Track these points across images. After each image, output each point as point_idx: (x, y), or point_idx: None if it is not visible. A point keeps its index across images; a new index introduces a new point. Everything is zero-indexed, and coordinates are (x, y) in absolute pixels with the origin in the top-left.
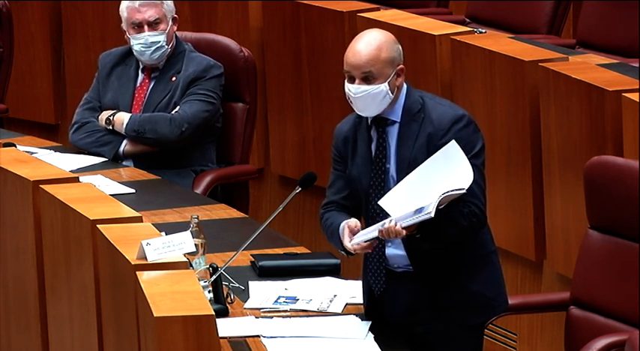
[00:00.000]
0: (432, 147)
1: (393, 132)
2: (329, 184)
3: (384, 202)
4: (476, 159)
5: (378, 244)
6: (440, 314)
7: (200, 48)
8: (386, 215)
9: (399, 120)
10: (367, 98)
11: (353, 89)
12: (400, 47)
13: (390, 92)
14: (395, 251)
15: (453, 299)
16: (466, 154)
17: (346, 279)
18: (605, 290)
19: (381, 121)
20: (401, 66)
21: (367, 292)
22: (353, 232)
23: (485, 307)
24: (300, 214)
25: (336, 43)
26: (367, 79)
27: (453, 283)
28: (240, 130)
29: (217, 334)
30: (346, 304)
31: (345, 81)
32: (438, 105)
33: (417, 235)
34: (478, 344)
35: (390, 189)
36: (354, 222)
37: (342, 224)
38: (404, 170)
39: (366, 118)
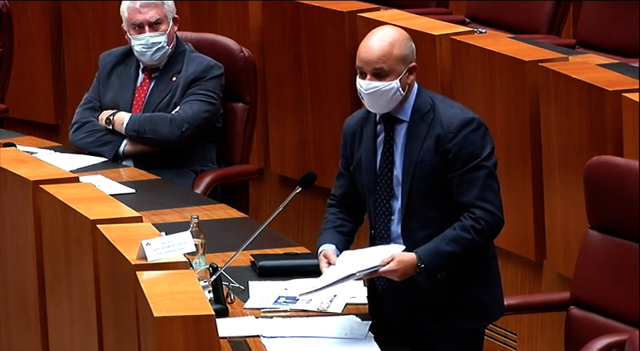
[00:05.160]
0: (440, 149)
1: (401, 131)
2: (336, 176)
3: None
4: (486, 161)
5: (383, 243)
6: (437, 317)
7: (200, 48)
8: (389, 215)
9: (407, 119)
10: (378, 94)
11: (364, 85)
12: (413, 45)
13: (401, 89)
14: None
15: (451, 303)
16: (476, 158)
17: None
18: (605, 290)
19: (389, 120)
20: (413, 64)
21: (371, 291)
22: (325, 261)
23: (481, 312)
24: (300, 214)
25: (336, 43)
26: (378, 75)
27: (450, 286)
28: (240, 130)
29: (217, 334)
30: (346, 304)
31: (357, 77)
32: (449, 107)
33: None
34: (478, 346)
35: (393, 189)
36: (331, 252)
37: (321, 248)
38: (410, 170)
39: (375, 113)
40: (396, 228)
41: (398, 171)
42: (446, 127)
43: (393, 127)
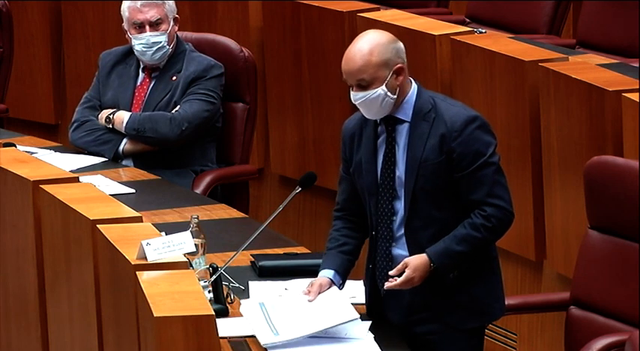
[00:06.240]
0: (445, 148)
1: (403, 131)
2: (338, 181)
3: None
4: (493, 158)
5: (385, 243)
6: (438, 316)
7: (200, 48)
8: (392, 216)
9: (409, 120)
10: (367, 103)
11: (352, 96)
12: (397, 46)
13: (389, 94)
14: (399, 251)
15: (451, 302)
16: (482, 155)
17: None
18: (605, 290)
19: (390, 120)
20: (398, 65)
21: (371, 291)
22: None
23: (481, 312)
24: (300, 214)
25: (336, 43)
26: (361, 85)
27: (452, 286)
28: (240, 130)
29: (217, 334)
30: None
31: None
32: (451, 106)
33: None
34: (478, 346)
35: (396, 189)
36: (319, 283)
37: (320, 273)
38: (414, 170)
39: None
40: (398, 228)
41: (400, 171)
42: (450, 126)
43: (394, 127)
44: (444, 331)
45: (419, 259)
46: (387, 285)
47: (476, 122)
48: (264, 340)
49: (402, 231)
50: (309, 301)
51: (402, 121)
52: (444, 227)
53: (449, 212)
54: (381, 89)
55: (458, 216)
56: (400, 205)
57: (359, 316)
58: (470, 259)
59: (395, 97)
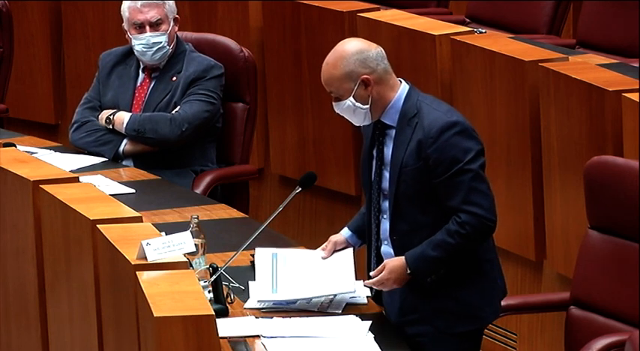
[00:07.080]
0: (422, 154)
1: (392, 135)
2: None
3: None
4: (471, 164)
5: (375, 241)
6: (427, 319)
7: (200, 48)
8: (381, 214)
9: (394, 125)
10: (344, 113)
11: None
12: (364, 56)
13: (358, 104)
14: (388, 250)
15: (440, 305)
16: (458, 162)
17: None
18: (605, 290)
19: (378, 124)
20: (364, 76)
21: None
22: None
23: (471, 316)
24: (300, 214)
25: (335, 43)
26: (334, 97)
27: (440, 289)
28: (240, 130)
29: (217, 334)
30: (346, 304)
31: None
32: (433, 111)
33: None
34: (473, 349)
35: (384, 190)
36: (335, 241)
37: (342, 230)
38: (395, 175)
39: None
40: (386, 228)
41: (388, 175)
42: (427, 132)
43: (383, 131)
44: (433, 333)
45: (396, 262)
46: (364, 282)
47: (454, 128)
48: (261, 296)
49: (389, 232)
50: (323, 257)
51: (390, 126)
52: (432, 232)
53: (435, 216)
54: (349, 101)
55: (444, 221)
56: (388, 206)
57: (354, 290)
58: (446, 265)
59: (366, 106)
